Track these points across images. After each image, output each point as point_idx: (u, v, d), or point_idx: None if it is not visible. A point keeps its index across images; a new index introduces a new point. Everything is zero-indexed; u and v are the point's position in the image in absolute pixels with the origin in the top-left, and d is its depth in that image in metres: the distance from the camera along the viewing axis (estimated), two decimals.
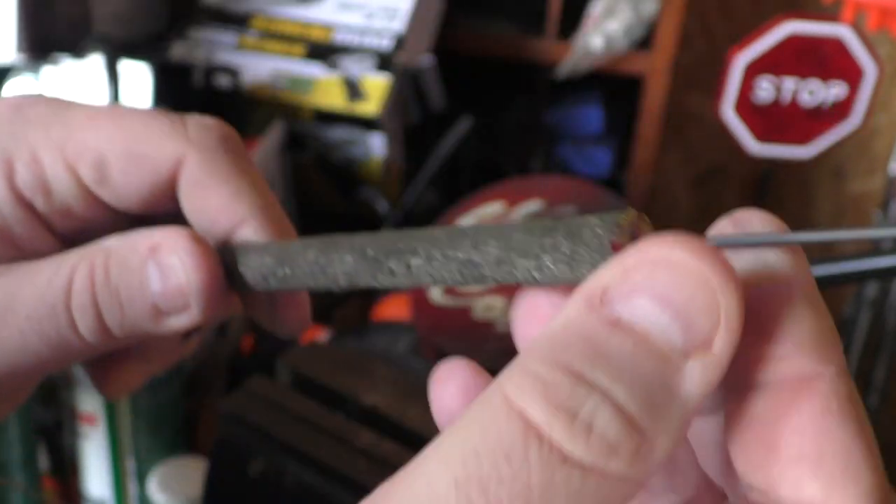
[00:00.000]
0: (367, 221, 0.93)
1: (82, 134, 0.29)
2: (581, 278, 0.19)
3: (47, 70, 0.78)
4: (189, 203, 0.30)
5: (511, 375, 0.17)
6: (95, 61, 0.79)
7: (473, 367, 0.22)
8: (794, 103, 0.70)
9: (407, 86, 0.92)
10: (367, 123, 0.88)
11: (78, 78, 0.78)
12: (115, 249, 0.28)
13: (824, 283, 0.58)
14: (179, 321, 0.28)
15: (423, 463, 0.16)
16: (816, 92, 0.70)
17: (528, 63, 1.09)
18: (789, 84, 0.70)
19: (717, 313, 0.16)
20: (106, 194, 0.29)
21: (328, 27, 0.93)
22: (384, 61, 0.90)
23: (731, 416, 0.18)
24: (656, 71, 1.04)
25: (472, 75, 1.10)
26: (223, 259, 0.28)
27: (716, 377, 0.17)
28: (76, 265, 0.28)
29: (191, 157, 0.29)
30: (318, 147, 0.92)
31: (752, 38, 0.69)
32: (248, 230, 0.29)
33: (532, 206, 0.74)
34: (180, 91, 0.89)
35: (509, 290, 0.66)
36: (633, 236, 0.19)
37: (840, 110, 0.70)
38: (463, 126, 0.97)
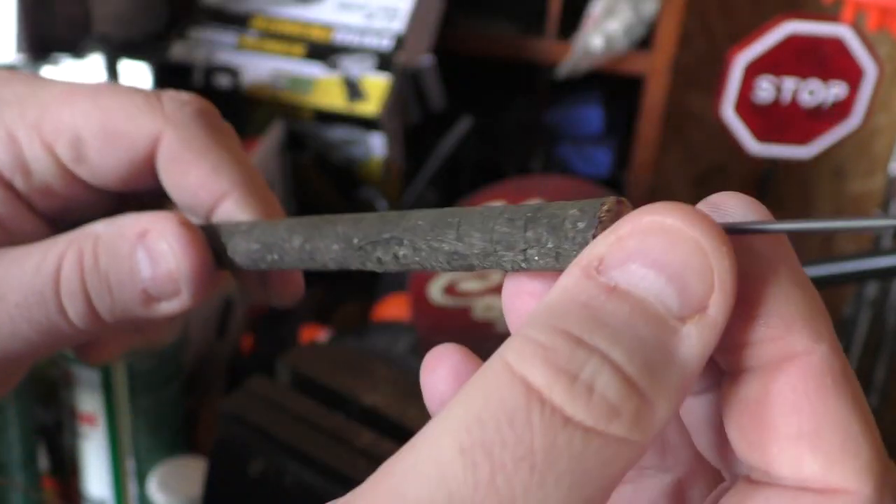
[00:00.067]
0: None
1: (58, 113, 0.28)
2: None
3: (47, 70, 0.78)
4: (169, 180, 0.29)
5: (511, 344, 0.17)
6: (95, 61, 0.79)
7: (463, 350, 0.22)
8: (794, 103, 0.70)
9: (407, 86, 0.92)
10: (367, 123, 0.88)
11: (78, 78, 0.79)
12: (103, 235, 0.28)
13: (824, 283, 0.58)
14: (170, 306, 0.28)
15: (427, 434, 0.16)
16: (816, 92, 0.70)
17: (528, 63, 1.09)
18: (789, 84, 0.70)
19: (710, 277, 0.17)
20: (84, 172, 0.29)
21: (328, 27, 0.93)
22: (384, 61, 0.90)
23: (726, 398, 0.18)
24: (656, 71, 1.04)
25: (472, 75, 1.10)
26: (211, 242, 0.28)
27: (712, 340, 0.17)
28: (64, 251, 0.28)
29: (167, 133, 0.29)
30: (318, 147, 0.92)
31: (752, 38, 0.69)
32: (231, 204, 0.29)
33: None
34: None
35: None
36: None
37: (840, 110, 0.70)
38: (463, 126, 0.97)
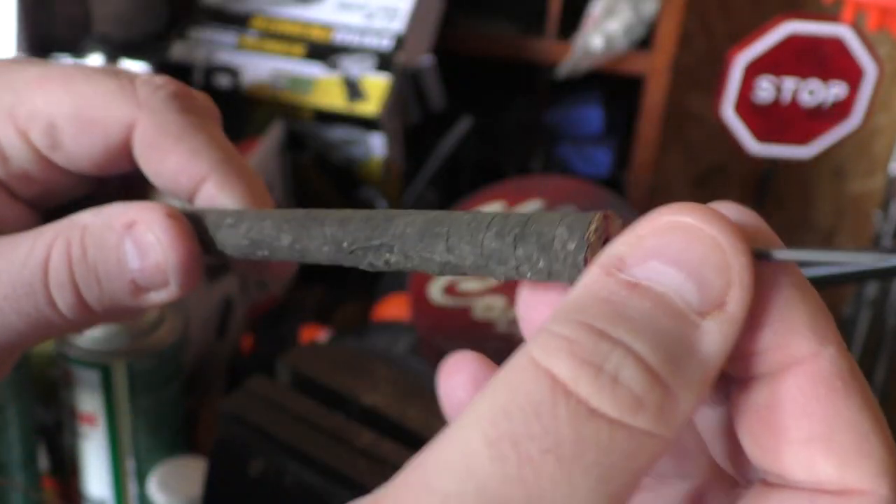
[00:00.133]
0: None
1: (32, 99, 0.28)
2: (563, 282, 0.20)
3: None
4: (147, 165, 0.29)
5: (536, 339, 0.17)
6: (95, 61, 0.79)
7: (481, 358, 0.22)
8: (794, 103, 0.70)
9: (407, 86, 0.92)
10: (367, 123, 0.88)
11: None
12: (90, 225, 0.28)
13: (824, 283, 0.58)
14: (159, 296, 0.28)
15: (454, 428, 0.17)
16: (816, 92, 0.70)
17: (528, 63, 1.09)
18: (789, 84, 0.70)
19: (728, 273, 0.17)
20: (60, 159, 0.29)
21: (328, 27, 0.93)
22: (384, 61, 0.90)
23: (737, 406, 0.18)
24: (656, 71, 1.04)
25: (472, 75, 1.10)
26: (199, 232, 0.28)
27: (732, 335, 0.17)
28: (52, 242, 0.28)
29: (142, 119, 0.29)
30: (318, 147, 0.92)
31: (752, 38, 0.69)
32: (211, 186, 0.29)
33: (532, 206, 0.74)
34: None
35: (509, 290, 0.66)
36: (606, 240, 0.20)
37: (840, 110, 0.70)
38: (463, 126, 0.97)
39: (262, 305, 0.86)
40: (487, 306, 0.66)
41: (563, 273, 0.20)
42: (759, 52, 0.68)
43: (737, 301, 0.17)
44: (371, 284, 0.85)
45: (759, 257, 0.18)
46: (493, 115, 1.13)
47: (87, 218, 0.28)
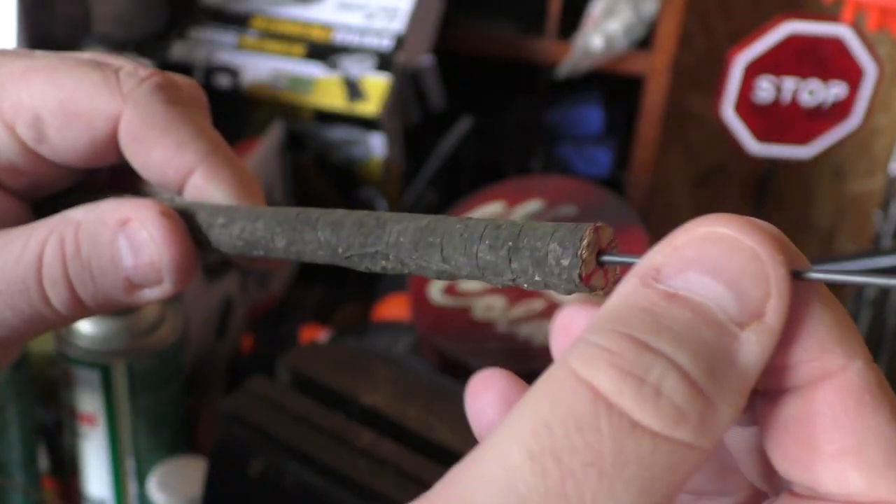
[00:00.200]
0: None
1: (17, 92, 0.28)
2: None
3: None
4: (134, 158, 0.29)
5: (575, 350, 0.17)
6: None
7: (510, 376, 0.22)
8: (794, 103, 0.70)
9: (407, 86, 0.92)
10: (367, 123, 0.88)
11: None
12: (84, 222, 0.28)
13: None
14: (153, 293, 0.28)
15: (493, 442, 0.16)
16: (816, 92, 0.70)
17: (528, 63, 1.09)
18: (789, 84, 0.70)
19: (767, 284, 0.17)
20: (46, 151, 0.29)
21: (328, 27, 0.93)
22: (384, 61, 0.90)
23: (766, 421, 0.18)
24: (656, 71, 1.04)
25: (472, 75, 1.10)
26: (192, 229, 0.28)
27: (770, 346, 0.17)
28: (45, 239, 0.28)
29: (126, 112, 0.28)
30: (318, 147, 0.92)
31: (752, 38, 0.69)
32: (199, 177, 0.29)
33: (532, 206, 0.74)
34: None
35: (510, 290, 0.66)
36: (600, 252, 0.20)
37: (840, 110, 0.70)
38: (463, 126, 0.97)
39: (262, 305, 0.86)
40: (487, 306, 0.66)
41: (559, 286, 0.20)
42: (759, 52, 0.68)
43: (775, 312, 0.17)
44: (371, 284, 0.85)
45: (793, 277, 0.18)
46: (493, 115, 1.13)
47: (81, 214, 0.28)
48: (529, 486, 0.16)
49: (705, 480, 0.22)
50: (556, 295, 0.66)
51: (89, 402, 0.55)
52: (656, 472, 0.16)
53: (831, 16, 0.71)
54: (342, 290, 0.87)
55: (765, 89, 0.70)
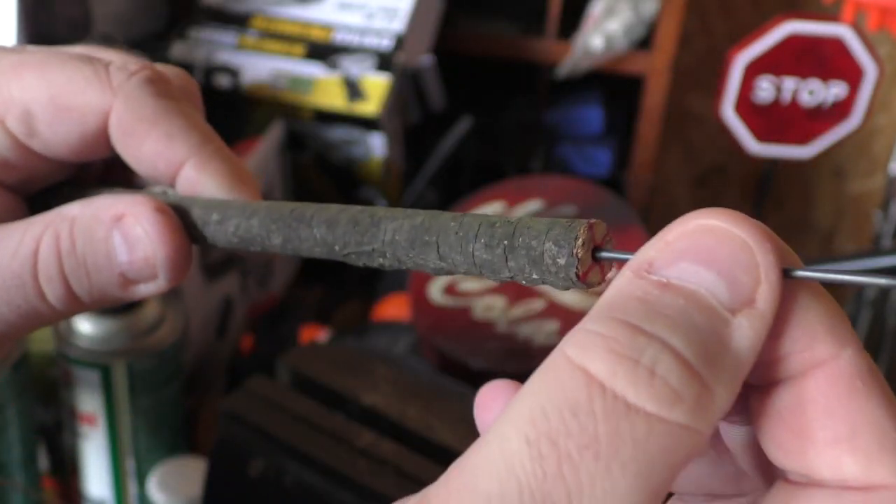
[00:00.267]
0: None
1: (7, 87, 0.28)
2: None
3: None
4: (125, 151, 0.30)
5: (570, 338, 0.17)
6: None
7: (517, 385, 0.23)
8: (794, 103, 0.70)
9: (407, 86, 0.92)
10: (367, 123, 0.88)
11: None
12: (78, 218, 0.28)
13: (824, 284, 0.58)
14: (148, 289, 0.28)
15: (494, 430, 0.17)
16: (816, 92, 0.70)
17: (528, 63, 1.09)
18: (789, 84, 0.70)
19: (757, 271, 0.17)
20: (37, 146, 0.29)
21: (328, 27, 0.93)
22: (384, 61, 0.90)
23: (759, 413, 0.19)
24: (656, 71, 1.04)
25: (472, 75, 1.10)
26: (188, 226, 0.28)
27: (762, 331, 0.17)
28: (40, 235, 0.28)
29: (116, 106, 0.29)
30: (318, 147, 0.92)
31: (752, 38, 0.69)
32: (190, 169, 0.29)
33: (532, 206, 0.74)
34: None
35: (509, 290, 0.66)
36: (596, 248, 0.20)
37: (840, 110, 0.70)
38: (463, 126, 0.97)
39: (262, 305, 0.86)
40: (487, 306, 0.66)
41: (556, 284, 0.20)
42: (759, 52, 0.68)
43: (766, 298, 0.17)
44: (371, 284, 0.85)
45: (783, 274, 0.18)
46: (493, 115, 1.13)
47: (76, 210, 0.28)
48: (528, 470, 0.16)
49: (721, 483, 0.22)
50: (555, 295, 0.66)
51: (89, 402, 0.55)
52: (653, 454, 0.16)
53: (831, 16, 0.71)
54: (342, 290, 0.87)
55: (765, 89, 0.70)
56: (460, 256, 0.22)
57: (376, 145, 0.90)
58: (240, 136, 0.84)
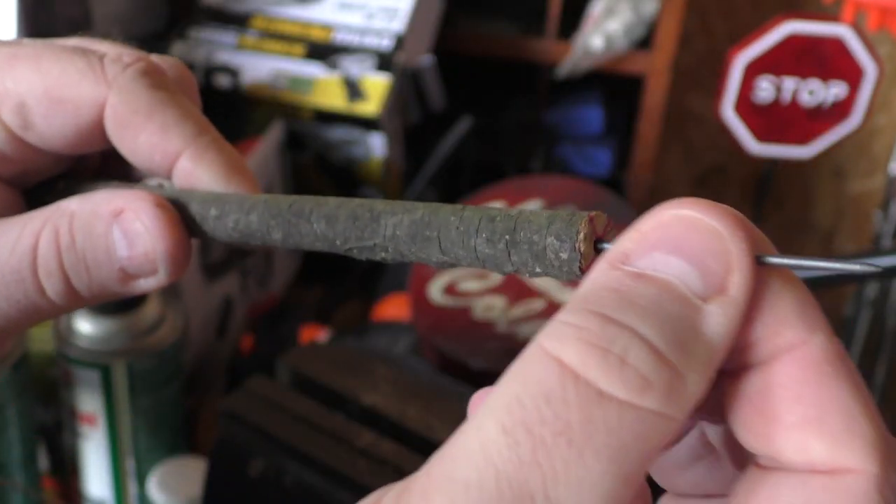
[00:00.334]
0: None
1: (1, 80, 0.28)
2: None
3: None
4: (120, 144, 0.29)
5: (546, 330, 0.18)
6: None
7: None
8: (794, 103, 0.70)
9: (407, 86, 0.92)
10: (367, 123, 0.88)
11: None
12: (77, 213, 0.28)
13: (824, 283, 0.58)
14: (148, 283, 0.28)
15: (473, 420, 0.17)
16: (816, 92, 0.70)
17: (528, 63, 1.09)
18: (789, 84, 0.69)
19: (728, 259, 0.18)
20: (32, 138, 0.29)
21: (328, 27, 0.93)
22: (384, 61, 0.90)
23: (729, 397, 0.19)
24: (656, 71, 1.04)
25: (472, 75, 1.10)
26: (187, 221, 0.28)
27: (735, 318, 0.17)
28: (39, 230, 0.28)
29: (111, 99, 0.29)
30: (318, 147, 0.92)
31: (752, 38, 0.69)
32: (186, 161, 0.29)
33: (532, 206, 0.74)
34: None
35: (509, 290, 0.66)
36: (598, 240, 0.21)
37: (840, 110, 0.70)
38: (463, 126, 0.97)
39: (262, 305, 0.86)
40: (487, 306, 0.66)
41: (560, 276, 0.21)
42: (759, 52, 0.68)
43: (738, 286, 0.17)
44: (371, 284, 0.85)
45: (756, 262, 0.18)
46: (493, 115, 1.13)
47: (75, 205, 0.28)
48: (504, 457, 0.16)
49: (717, 483, 0.22)
50: (556, 295, 0.66)
51: (89, 402, 0.55)
52: (625, 440, 0.16)
53: (831, 16, 0.71)
54: (342, 290, 0.87)
55: (765, 89, 0.70)
56: (462, 251, 0.22)
57: (376, 145, 0.90)
58: (240, 136, 0.84)
